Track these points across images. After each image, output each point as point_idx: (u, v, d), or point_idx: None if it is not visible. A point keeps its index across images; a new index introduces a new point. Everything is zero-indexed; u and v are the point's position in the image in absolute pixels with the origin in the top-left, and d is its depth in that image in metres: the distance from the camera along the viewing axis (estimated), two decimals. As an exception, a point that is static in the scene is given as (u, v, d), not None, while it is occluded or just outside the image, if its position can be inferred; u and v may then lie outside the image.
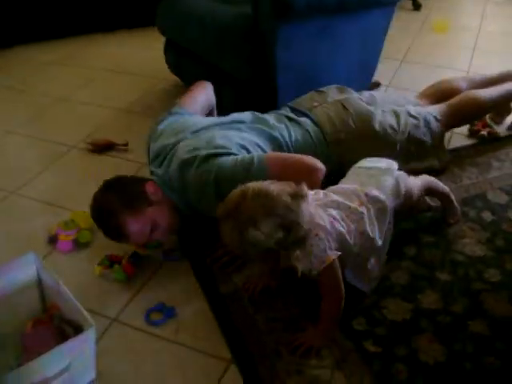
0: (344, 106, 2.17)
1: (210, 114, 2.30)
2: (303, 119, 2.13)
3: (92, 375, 1.51)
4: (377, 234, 1.66)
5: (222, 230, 1.45)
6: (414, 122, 2.22)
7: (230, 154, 1.83)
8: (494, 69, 2.69)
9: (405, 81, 3.10)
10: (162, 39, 3.03)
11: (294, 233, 1.41)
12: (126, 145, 2.53)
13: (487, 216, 2.03)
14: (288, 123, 2.09)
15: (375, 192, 1.69)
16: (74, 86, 3.19)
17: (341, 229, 1.57)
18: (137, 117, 2.83)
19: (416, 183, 1.88)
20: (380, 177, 1.74)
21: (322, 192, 1.67)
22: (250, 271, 1.81)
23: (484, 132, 2.53)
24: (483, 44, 3.63)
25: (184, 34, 2.72)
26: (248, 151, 1.89)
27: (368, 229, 1.63)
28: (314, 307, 1.62)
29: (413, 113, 2.24)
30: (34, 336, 1.53)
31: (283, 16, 2.21)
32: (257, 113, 2.12)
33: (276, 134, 2.01)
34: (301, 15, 2.26)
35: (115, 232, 1.81)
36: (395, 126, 2.17)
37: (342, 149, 2.09)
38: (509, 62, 3.05)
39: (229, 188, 1.73)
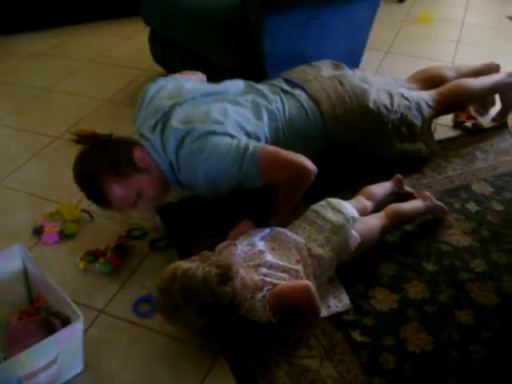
0: (340, 82, 2.15)
1: None
2: (297, 92, 2.09)
3: (80, 367, 1.50)
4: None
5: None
6: (407, 103, 2.24)
7: (225, 133, 1.78)
8: (477, 61, 2.70)
9: (389, 72, 3.08)
10: (147, 29, 3.00)
11: (220, 312, 1.50)
12: (111, 136, 2.51)
13: (472, 207, 2.05)
14: (283, 96, 2.05)
15: (319, 250, 1.66)
16: (58, 76, 3.16)
17: (274, 281, 1.56)
18: (121, 107, 2.80)
19: (375, 227, 1.81)
20: (331, 235, 1.70)
21: (257, 249, 1.64)
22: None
23: (468, 124, 2.55)
24: (467, 36, 3.64)
25: (169, 24, 2.70)
26: (245, 131, 1.85)
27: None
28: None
29: (406, 95, 2.26)
30: (19, 328, 1.51)
31: (271, 6, 2.21)
32: (250, 82, 2.07)
33: (272, 107, 1.97)
34: (287, 5, 2.25)
35: (98, 197, 1.76)
36: (388, 105, 2.18)
37: (337, 125, 2.07)
38: (492, 53, 3.08)
39: (218, 171, 1.73)
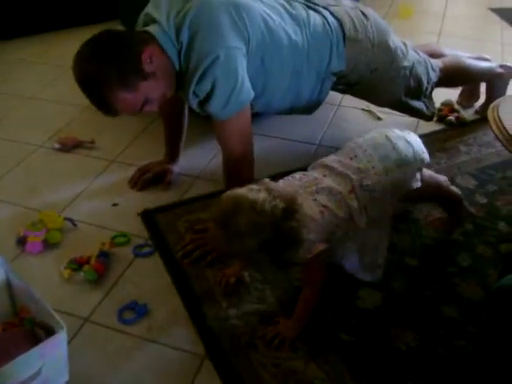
0: (363, 13, 2.13)
1: None
2: (322, 9, 2.07)
3: (65, 377, 1.49)
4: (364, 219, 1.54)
5: (210, 230, 1.43)
6: (417, 57, 2.26)
7: (245, 39, 1.76)
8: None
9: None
10: (127, 33, 2.98)
11: (282, 246, 1.37)
12: (93, 142, 2.50)
13: (456, 201, 2.05)
14: (306, 9, 2.03)
15: (373, 178, 1.53)
16: (40, 83, 3.12)
17: (331, 218, 1.48)
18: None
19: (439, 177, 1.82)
20: (394, 167, 1.56)
21: (314, 175, 1.56)
22: (222, 265, 1.79)
23: (451, 117, 2.55)
24: (448, 28, 3.65)
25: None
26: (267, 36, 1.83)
27: (355, 217, 1.52)
28: (289, 300, 1.64)
29: (415, 49, 2.29)
30: (4, 340, 1.50)
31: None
32: None
33: (296, 12, 1.96)
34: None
35: (102, 104, 1.74)
36: (404, 50, 2.20)
37: (355, 49, 2.05)
38: (474, 46, 3.09)
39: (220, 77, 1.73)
